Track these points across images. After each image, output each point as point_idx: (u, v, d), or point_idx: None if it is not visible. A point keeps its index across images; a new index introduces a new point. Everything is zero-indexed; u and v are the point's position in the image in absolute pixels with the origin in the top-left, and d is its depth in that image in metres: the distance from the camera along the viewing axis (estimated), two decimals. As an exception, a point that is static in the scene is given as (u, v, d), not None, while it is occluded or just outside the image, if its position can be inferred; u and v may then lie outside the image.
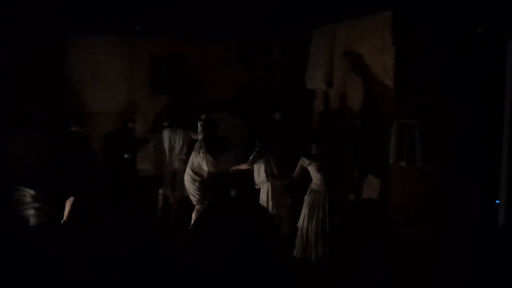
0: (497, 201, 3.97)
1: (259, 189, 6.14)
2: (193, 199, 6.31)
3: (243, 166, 6.08)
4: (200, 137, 6.46)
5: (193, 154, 6.38)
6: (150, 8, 5.53)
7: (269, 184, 5.98)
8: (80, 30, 7.09)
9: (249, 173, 6.28)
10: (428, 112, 4.42)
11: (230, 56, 8.29)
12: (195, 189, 6.23)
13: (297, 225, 5.41)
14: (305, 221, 5.28)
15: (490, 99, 4.03)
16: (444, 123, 4.28)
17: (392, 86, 5.25)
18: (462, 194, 4.17)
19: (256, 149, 5.97)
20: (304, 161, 5.40)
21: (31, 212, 6.37)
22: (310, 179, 5.47)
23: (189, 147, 7.10)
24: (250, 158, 5.93)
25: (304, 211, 5.35)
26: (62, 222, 6.02)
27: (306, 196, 5.42)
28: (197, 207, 6.28)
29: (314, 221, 5.19)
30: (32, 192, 6.40)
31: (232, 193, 7.69)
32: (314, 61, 7.20)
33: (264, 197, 6.01)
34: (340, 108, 6.55)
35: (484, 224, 4.06)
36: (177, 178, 7.16)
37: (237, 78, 8.45)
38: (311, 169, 5.37)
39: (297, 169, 5.50)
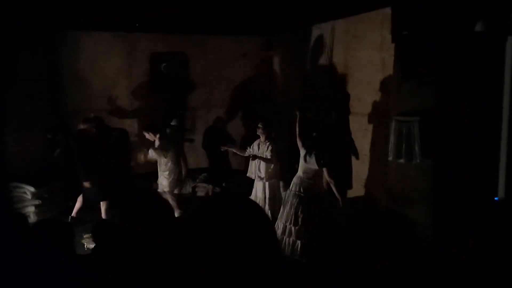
0: (496, 198, 4.00)
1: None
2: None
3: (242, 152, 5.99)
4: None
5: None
6: (150, 4, 5.52)
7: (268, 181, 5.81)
8: (79, 27, 7.08)
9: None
10: (427, 109, 4.43)
11: (229, 53, 8.29)
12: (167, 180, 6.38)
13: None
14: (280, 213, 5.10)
15: (489, 96, 4.05)
16: (442, 120, 4.29)
17: (391, 83, 5.26)
18: (461, 191, 4.19)
19: (271, 145, 5.69)
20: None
21: (31, 209, 6.38)
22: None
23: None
24: (271, 151, 5.66)
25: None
26: (69, 218, 6.03)
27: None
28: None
29: (285, 215, 4.98)
30: (32, 189, 6.40)
31: (230, 188, 7.69)
32: (312, 58, 7.20)
33: (260, 193, 5.79)
34: (339, 104, 6.55)
35: (483, 221, 4.08)
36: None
37: (236, 75, 8.46)
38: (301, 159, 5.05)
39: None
